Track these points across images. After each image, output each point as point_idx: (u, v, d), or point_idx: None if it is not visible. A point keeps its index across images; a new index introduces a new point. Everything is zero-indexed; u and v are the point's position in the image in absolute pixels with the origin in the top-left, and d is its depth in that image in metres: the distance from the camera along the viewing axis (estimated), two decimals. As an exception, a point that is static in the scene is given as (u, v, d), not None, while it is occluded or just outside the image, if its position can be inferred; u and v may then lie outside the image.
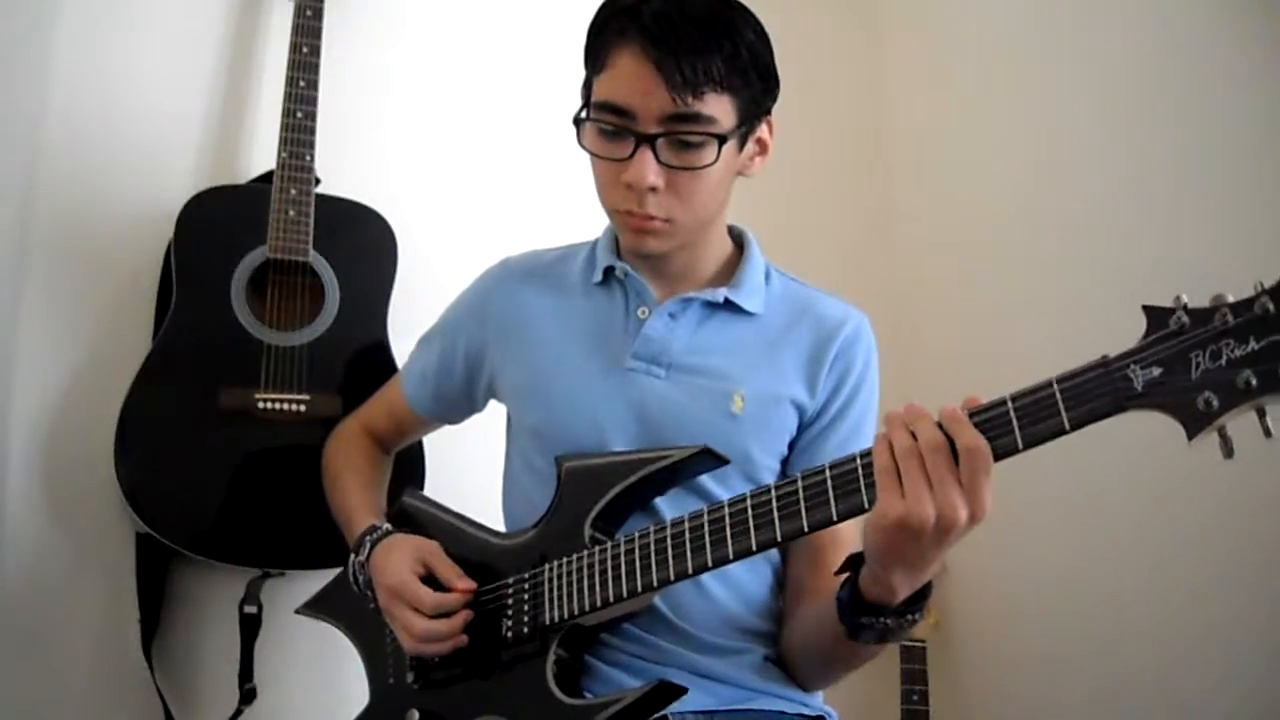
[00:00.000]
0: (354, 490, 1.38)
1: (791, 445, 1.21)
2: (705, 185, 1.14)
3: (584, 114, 1.15)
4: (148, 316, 1.68)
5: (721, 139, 1.11)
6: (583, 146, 1.16)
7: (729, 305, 1.23)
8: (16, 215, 1.63)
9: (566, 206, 1.71)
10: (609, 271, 1.27)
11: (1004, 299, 2.00)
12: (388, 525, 1.27)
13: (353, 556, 1.26)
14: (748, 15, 1.14)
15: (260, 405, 1.59)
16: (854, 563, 1.01)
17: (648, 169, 1.11)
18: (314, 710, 1.69)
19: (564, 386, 1.22)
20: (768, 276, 1.28)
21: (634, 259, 1.26)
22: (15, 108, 1.62)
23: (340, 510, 1.38)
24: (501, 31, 2.05)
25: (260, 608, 1.60)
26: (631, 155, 1.11)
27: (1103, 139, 1.82)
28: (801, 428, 1.21)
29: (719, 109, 1.10)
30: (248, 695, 1.58)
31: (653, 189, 1.12)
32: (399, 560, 1.19)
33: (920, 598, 0.99)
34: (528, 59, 2.04)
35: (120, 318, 1.69)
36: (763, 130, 1.19)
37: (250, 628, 1.59)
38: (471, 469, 1.58)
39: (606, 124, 1.13)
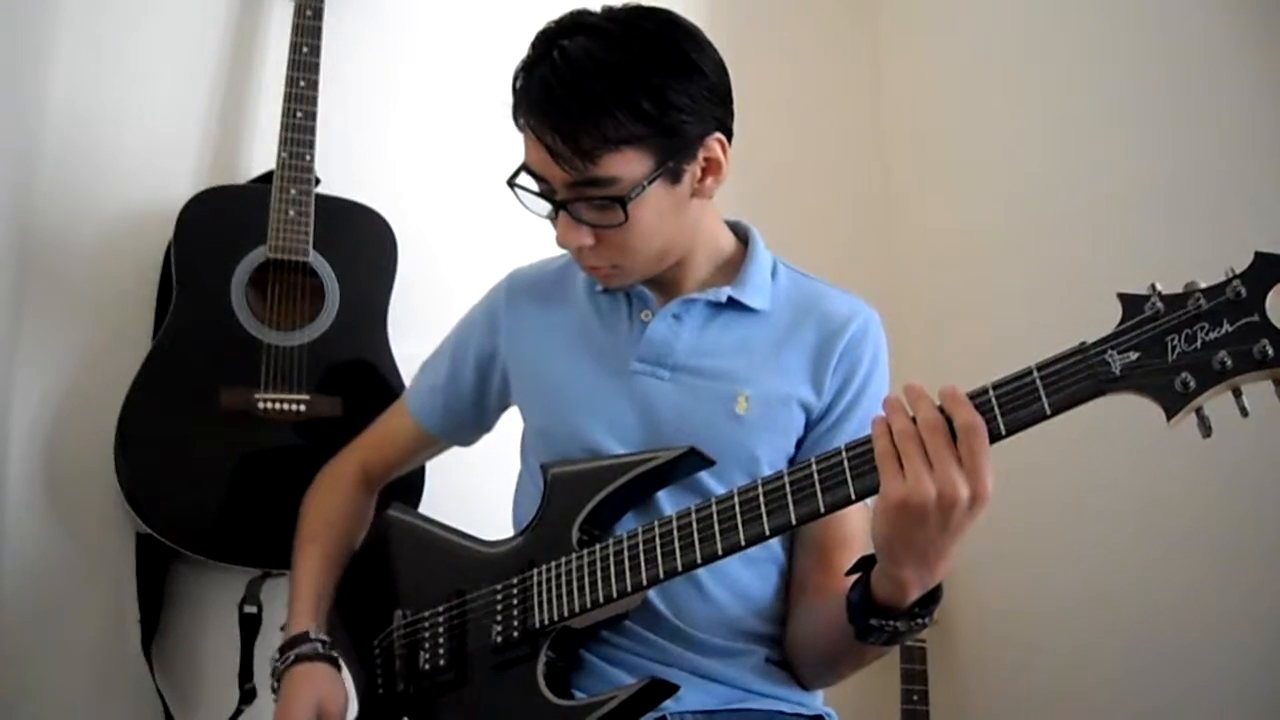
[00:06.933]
0: (308, 570, 1.33)
1: (799, 444, 1.20)
2: (636, 233, 1.13)
3: (515, 176, 1.14)
4: (148, 316, 1.68)
5: (623, 199, 1.08)
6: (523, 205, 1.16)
7: (733, 304, 1.22)
8: (16, 215, 1.63)
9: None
10: None
11: (1002, 294, 2.00)
12: (317, 642, 1.25)
13: (274, 655, 1.26)
14: (659, 53, 1.09)
15: (260, 405, 1.59)
16: (865, 564, 1.01)
17: (570, 232, 1.13)
18: (314, 710, 1.69)
19: (569, 392, 1.23)
20: (775, 272, 1.27)
21: None
22: (15, 107, 1.62)
23: (291, 582, 1.34)
24: (502, 30, 2.04)
25: (260, 608, 1.59)
26: (555, 218, 1.13)
27: (1100, 136, 1.82)
28: (809, 426, 1.20)
29: (621, 166, 1.08)
30: (248, 695, 1.58)
31: (585, 246, 1.14)
32: (303, 701, 1.19)
33: (930, 600, 0.99)
34: (528, 59, 2.04)
35: (120, 318, 1.70)
36: (711, 151, 1.14)
37: (250, 628, 1.59)
38: (472, 478, 1.58)
39: (529, 189, 1.14)
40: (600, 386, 1.21)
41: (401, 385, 1.67)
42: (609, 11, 1.13)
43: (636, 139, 1.07)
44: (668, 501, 1.15)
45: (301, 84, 1.71)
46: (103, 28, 1.76)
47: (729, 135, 1.16)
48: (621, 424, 1.19)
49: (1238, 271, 0.82)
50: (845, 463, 0.96)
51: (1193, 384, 0.82)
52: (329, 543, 1.37)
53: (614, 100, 1.06)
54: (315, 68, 1.72)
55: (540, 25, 1.14)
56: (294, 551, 1.37)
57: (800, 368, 1.20)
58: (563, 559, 1.11)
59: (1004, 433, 0.89)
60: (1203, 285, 0.83)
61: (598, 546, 1.09)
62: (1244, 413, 0.82)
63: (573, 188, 1.10)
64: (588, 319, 1.27)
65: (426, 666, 1.18)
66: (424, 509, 1.50)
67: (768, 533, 0.99)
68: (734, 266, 1.25)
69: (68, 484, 1.63)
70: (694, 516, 1.03)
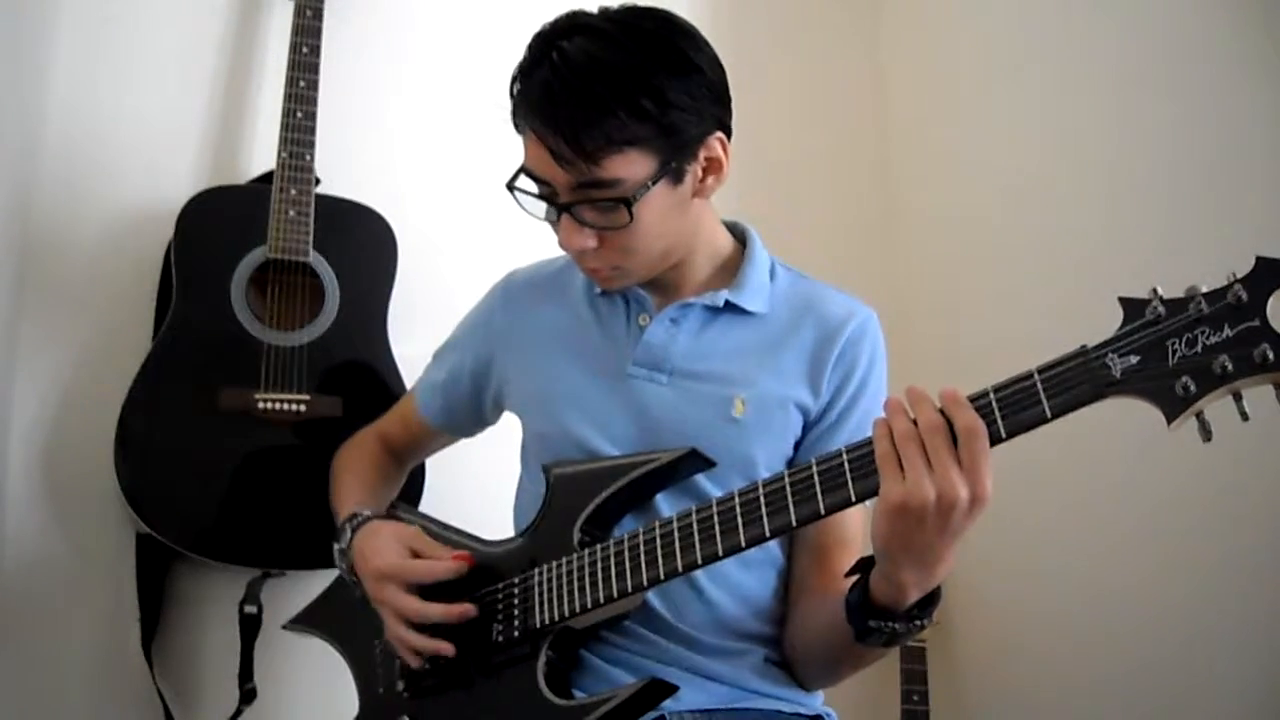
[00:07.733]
0: (347, 488, 1.38)
1: (797, 446, 1.20)
2: (640, 234, 1.13)
3: (515, 179, 1.14)
4: (148, 316, 1.68)
5: (628, 200, 1.08)
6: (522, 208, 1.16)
7: (731, 307, 1.22)
8: (16, 214, 1.63)
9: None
10: None
11: (1003, 295, 2.00)
12: (368, 512, 1.27)
13: (335, 544, 1.26)
14: (658, 52, 1.09)
15: (260, 405, 1.59)
16: (864, 566, 1.02)
17: (573, 235, 1.12)
18: (314, 710, 1.69)
19: (567, 396, 1.23)
20: (773, 273, 1.27)
21: None
22: (16, 108, 1.62)
23: (333, 509, 1.38)
24: (502, 30, 2.04)
25: (260, 608, 1.60)
26: (557, 221, 1.13)
27: (1101, 134, 1.82)
28: (807, 428, 1.20)
29: (624, 167, 1.08)
30: (248, 695, 1.58)
31: (588, 249, 1.13)
32: (385, 543, 1.18)
33: (929, 603, 0.99)
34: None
35: (120, 318, 1.69)
36: (712, 150, 1.14)
37: (250, 628, 1.59)
38: (473, 478, 1.58)
39: (528, 191, 1.14)
40: (596, 390, 1.21)
41: (401, 385, 1.67)
42: (606, 12, 1.13)
43: (639, 139, 1.07)
44: (665, 505, 1.15)
45: (301, 84, 1.71)
46: (103, 28, 1.76)
47: (729, 134, 1.16)
48: (617, 428, 1.19)
49: (1239, 276, 0.82)
50: (845, 465, 0.96)
51: (1193, 388, 0.82)
52: (361, 474, 1.40)
53: (616, 101, 1.06)
54: (315, 68, 1.72)
55: (540, 25, 1.14)
56: (330, 496, 1.41)
57: (797, 369, 1.20)
58: (564, 559, 1.11)
59: (1004, 435, 0.89)
60: (1204, 289, 0.83)
61: (599, 547, 1.09)
62: (1244, 417, 0.82)
63: (576, 190, 1.10)
64: (585, 322, 1.27)
65: (427, 666, 1.18)
66: (424, 509, 1.50)
67: (768, 534, 0.99)
68: (732, 268, 1.25)
69: (68, 484, 1.63)
70: (694, 517, 1.03)
